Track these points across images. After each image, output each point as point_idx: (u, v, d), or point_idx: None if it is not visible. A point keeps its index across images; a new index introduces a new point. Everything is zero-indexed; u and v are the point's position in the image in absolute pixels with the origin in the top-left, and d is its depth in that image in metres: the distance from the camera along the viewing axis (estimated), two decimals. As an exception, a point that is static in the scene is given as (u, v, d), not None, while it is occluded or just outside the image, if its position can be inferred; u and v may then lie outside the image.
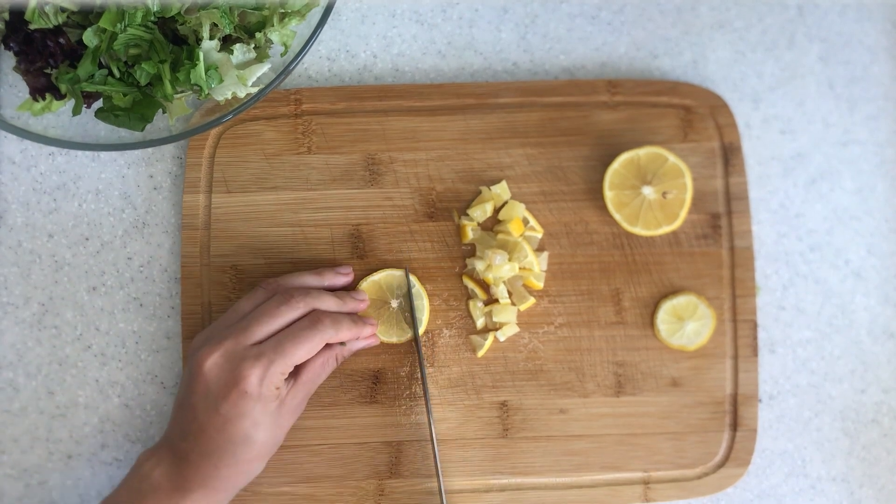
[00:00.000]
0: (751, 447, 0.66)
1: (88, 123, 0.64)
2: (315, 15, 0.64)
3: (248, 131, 0.67)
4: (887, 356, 0.69)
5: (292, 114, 0.67)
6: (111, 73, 0.61)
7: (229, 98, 0.62)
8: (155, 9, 0.59)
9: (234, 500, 0.62)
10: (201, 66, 0.60)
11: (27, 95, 0.63)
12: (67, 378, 0.66)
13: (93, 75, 0.61)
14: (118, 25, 0.59)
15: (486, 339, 0.65)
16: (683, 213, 0.66)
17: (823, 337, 0.69)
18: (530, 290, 0.66)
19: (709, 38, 0.71)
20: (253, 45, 0.63)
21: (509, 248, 0.65)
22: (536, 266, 0.66)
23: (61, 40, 0.61)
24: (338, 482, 0.65)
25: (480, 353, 0.66)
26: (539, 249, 0.67)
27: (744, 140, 0.70)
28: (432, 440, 0.63)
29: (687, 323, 0.66)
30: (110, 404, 0.66)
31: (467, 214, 0.66)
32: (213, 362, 0.56)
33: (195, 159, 0.67)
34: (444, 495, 0.62)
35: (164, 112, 0.64)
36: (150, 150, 0.68)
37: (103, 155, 0.68)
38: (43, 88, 0.62)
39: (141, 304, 0.67)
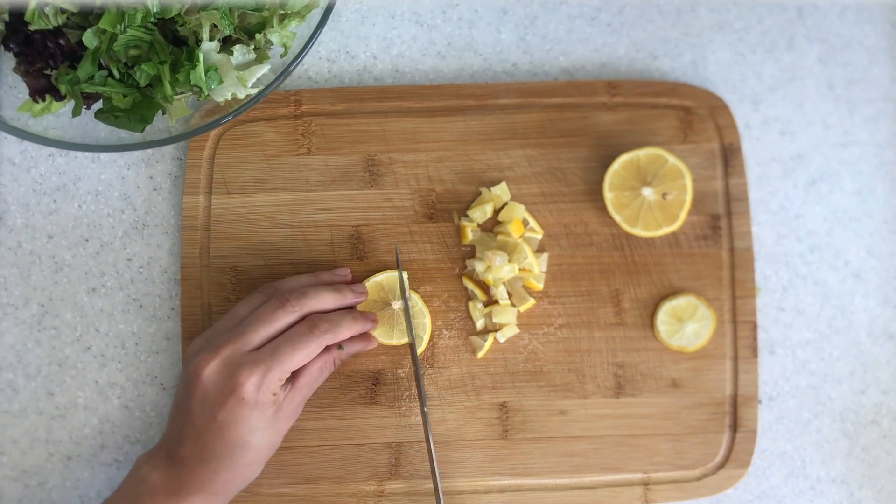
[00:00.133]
0: (751, 448, 0.66)
1: (88, 124, 0.64)
2: (315, 16, 0.64)
3: (247, 132, 0.67)
4: (887, 357, 0.69)
5: (292, 115, 0.67)
6: (111, 75, 0.61)
7: (229, 99, 0.62)
8: (155, 10, 0.59)
9: (234, 501, 0.62)
10: (201, 67, 0.60)
11: (27, 96, 0.63)
12: (67, 379, 0.66)
13: (92, 76, 0.61)
14: (118, 27, 0.59)
15: (485, 341, 0.65)
16: (683, 215, 0.66)
17: (823, 338, 0.69)
18: (530, 292, 0.66)
19: (708, 39, 0.71)
20: (253, 47, 0.63)
21: (509, 250, 0.65)
22: (536, 267, 0.66)
23: (61, 41, 0.61)
24: (337, 483, 0.65)
25: (480, 355, 0.66)
26: (539, 251, 0.67)
27: (743, 141, 0.70)
28: (428, 444, 0.63)
29: (687, 324, 0.66)
30: (110, 405, 0.66)
31: (467, 216, 0.67)
32: (210, 369, 0.56)
33: (195, 160, 0.67)
34: (440, 494, 0.62)
35: (163, 113, 0.64)
36: (149, 151, 0.68)
37: (103, 156, 0.68)
38: (43, 89, 0.62)
39: (141, 306, 0.67)
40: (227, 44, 0.63)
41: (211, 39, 0.61)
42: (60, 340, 0.66)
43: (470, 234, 0.66)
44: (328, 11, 0.63)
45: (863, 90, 0.71)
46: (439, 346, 0.66)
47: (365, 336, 0.64)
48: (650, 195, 0.66)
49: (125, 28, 0.59)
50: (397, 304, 0.65)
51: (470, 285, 0.66)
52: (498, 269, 0.64)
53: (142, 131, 0.63)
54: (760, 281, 0.69)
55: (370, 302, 0.65)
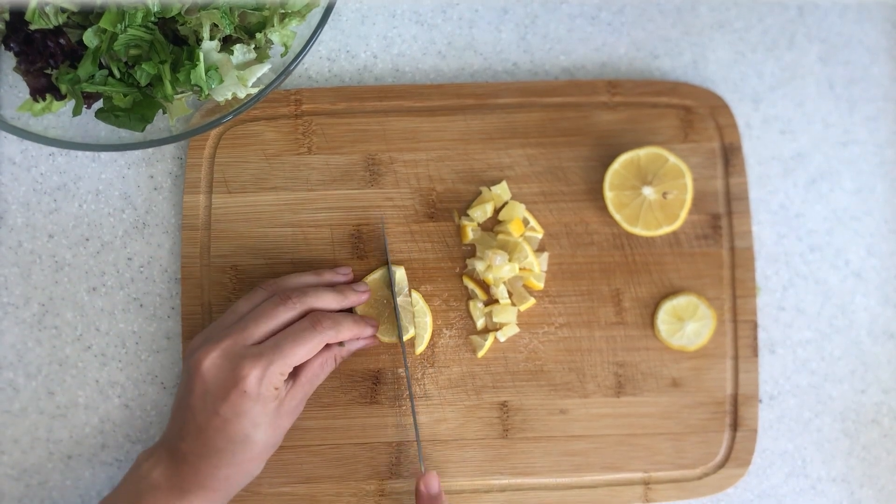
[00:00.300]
0: (751, 447, 0.66)
1: (89, 124, 0.64)
2: (315, 15, 0.64)
3: (248, 132, 0.67)
4: (887, 356, 0.69)
5: (292, 114, 0.67)
6: (111, 74, 0.61)
7: (229, 98, 0.62)
8: (155, 9, 0.59)
9: (234, 500, 0.62)
10: (201, 66, 0.60)
11: (27, 96, 0.63)
12: (67, 378, 0.66)
13: (93, 76, 0.61)
14: (118, 26, 0.59)
15: (486, 340, 0.65)
16: (684, 214, 0.66)
17: (823, 337, 0.69)
18: (530, 291, 0.66)
19: (709, 38, 0.71)
20: (253, 46, 0.63)
21: (509, 249, 0.65)
22: (536, 266, 0.66)
23: (61, 41, 0.61)
24: (338, 482, 0.65)
25: (480, 354, 0.66)
26: (539, 250, 0.67)
27: (744, 140, 0.70)
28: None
29: (687, 323, 0.66)
30: (110, 405, 0.66)
31: (467, 215, 0.66)
32: (211, 362, 0.56)
33: (195, 160, 0.67)
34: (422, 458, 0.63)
35: (164, 112, 0.64)
36: (150, 150, 0.68)
37: (103, 155, 0.68)
38: (43, 89, 0.62)
39: (141, 305, 0.67)
40: (227, 43, 0.63)
41: (211, 39, 0.61)
42: (61, 340, 0.66)
43: (470, 233, 0.66)
44: (328, 11, 0.63)
45: (863, 89, 0.71)
46: (440, 345, 0.66)
47: None
48: (651, 194, 0.66)
49: (126, 27, 0.59)
50: (401, 298, 0.65)
51: (470, 284, 0.66)
52: (498, 269, 0.64)
53: (142, 130, 0.63)
54: (761, 280, 0.69)
55: (369, 299, 0.65)
